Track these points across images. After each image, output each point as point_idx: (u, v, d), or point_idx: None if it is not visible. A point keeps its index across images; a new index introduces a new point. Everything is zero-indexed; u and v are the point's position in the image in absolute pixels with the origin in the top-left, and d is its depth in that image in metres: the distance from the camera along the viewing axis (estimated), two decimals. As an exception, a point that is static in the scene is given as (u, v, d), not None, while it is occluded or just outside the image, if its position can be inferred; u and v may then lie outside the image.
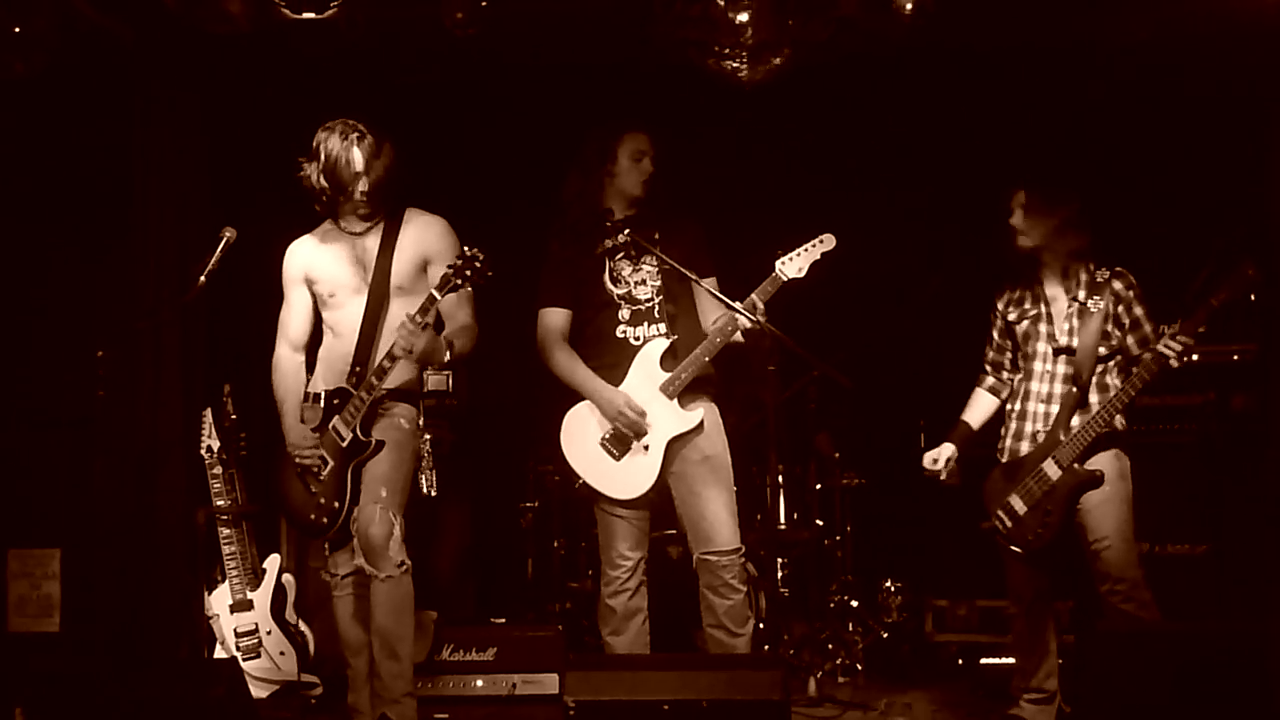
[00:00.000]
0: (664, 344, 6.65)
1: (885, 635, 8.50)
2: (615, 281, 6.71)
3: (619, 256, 6.72)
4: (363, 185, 6.46)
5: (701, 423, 6.67)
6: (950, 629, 8.55)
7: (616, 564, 6.71)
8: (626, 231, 6.60)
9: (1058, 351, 6.76)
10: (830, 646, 8.28)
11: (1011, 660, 7.18)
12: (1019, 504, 6.69)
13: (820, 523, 8.69)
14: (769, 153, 8.86)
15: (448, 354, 6.37)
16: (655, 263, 6.67)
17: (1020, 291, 6.93)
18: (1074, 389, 6.66)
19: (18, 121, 8.13)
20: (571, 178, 6.77)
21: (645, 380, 6.61)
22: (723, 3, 6.83)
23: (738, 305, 6.45)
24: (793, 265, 6.50)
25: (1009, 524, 6.72)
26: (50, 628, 8.12)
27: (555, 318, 6.81)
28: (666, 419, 6.60)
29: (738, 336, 6.56)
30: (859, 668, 8.12)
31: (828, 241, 6.55)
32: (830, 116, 8.99)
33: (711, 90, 7.24)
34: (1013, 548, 6.73)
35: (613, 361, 6.71)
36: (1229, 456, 7.94)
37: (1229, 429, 7.96)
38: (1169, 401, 7.92)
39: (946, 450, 7.01)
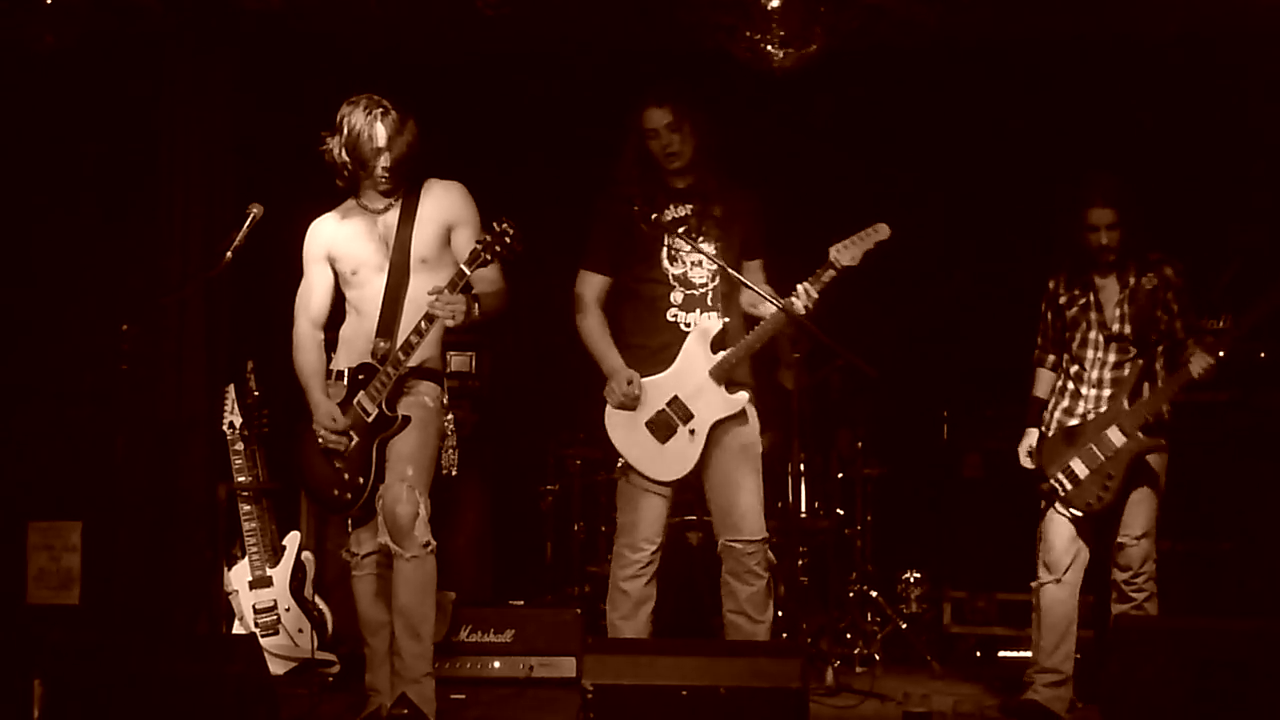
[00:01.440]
0: (717, 325, 6.62)
1: (904, 626, 8.48)
2: (673, 261, 6.66)
3: (681, 231, 6.64)
4: (384, 161, 6.42)
5: (744, 409, 6.66)
6: (969, 621, 8.55)
7: (640, 547, 6.67)
8: (690, 209, 6.55)
9: (1110, 339, 6.77)
10: (848, 636, 8.27)
11: (1028, 654, 7.15)
12: (1080, 467, 6.69)
13: (841, 512, 8.67)
14: (794, 141, 8.85)
15: (476, 310, 6.31)
16: (715, 240, 6.62)
17: (1070, 278, 6.94)
18: (1135, 365, 6.70)
19: (46, 94, 8.15)
20: (626, 146, 6.71)
21: (695, 363, 6.59)
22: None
23: (790, 297, 6.42)
24: (846, 254, 6.46)
25: (1069, 486, 6.71)
26: (70, 600, 8.15)
27: (593, 281, 6.78)
28: (713, 402, 6.58)
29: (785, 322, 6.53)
30: (877, 658, 8.11)
31: (881, 231, 6.51)
32: (857, 106, 8.98)
33: (741, 76, 7.24)
34: (1071, 510, 6.72)
35: (662, 343, 6.65)
36: (1253, 454, 7.92)
37: (1253, 426, 7.94)
38: (1194, 398, 7.87)
39: (1032, 436, 6.99)
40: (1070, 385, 6.89)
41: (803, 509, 8.55)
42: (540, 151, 8.39)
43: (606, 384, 6.67)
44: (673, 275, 6.66)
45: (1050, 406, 6.97)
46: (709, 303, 6.65)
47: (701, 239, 6.62)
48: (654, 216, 6.59)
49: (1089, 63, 8.59)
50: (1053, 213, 6.93)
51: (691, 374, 6.59)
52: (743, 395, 6.62)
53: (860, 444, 8.63)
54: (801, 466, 8.42)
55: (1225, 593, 7.78)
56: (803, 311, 6.42)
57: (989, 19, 7.66)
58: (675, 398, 6.59)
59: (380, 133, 6.39)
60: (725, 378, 6.56)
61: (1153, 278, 6.73)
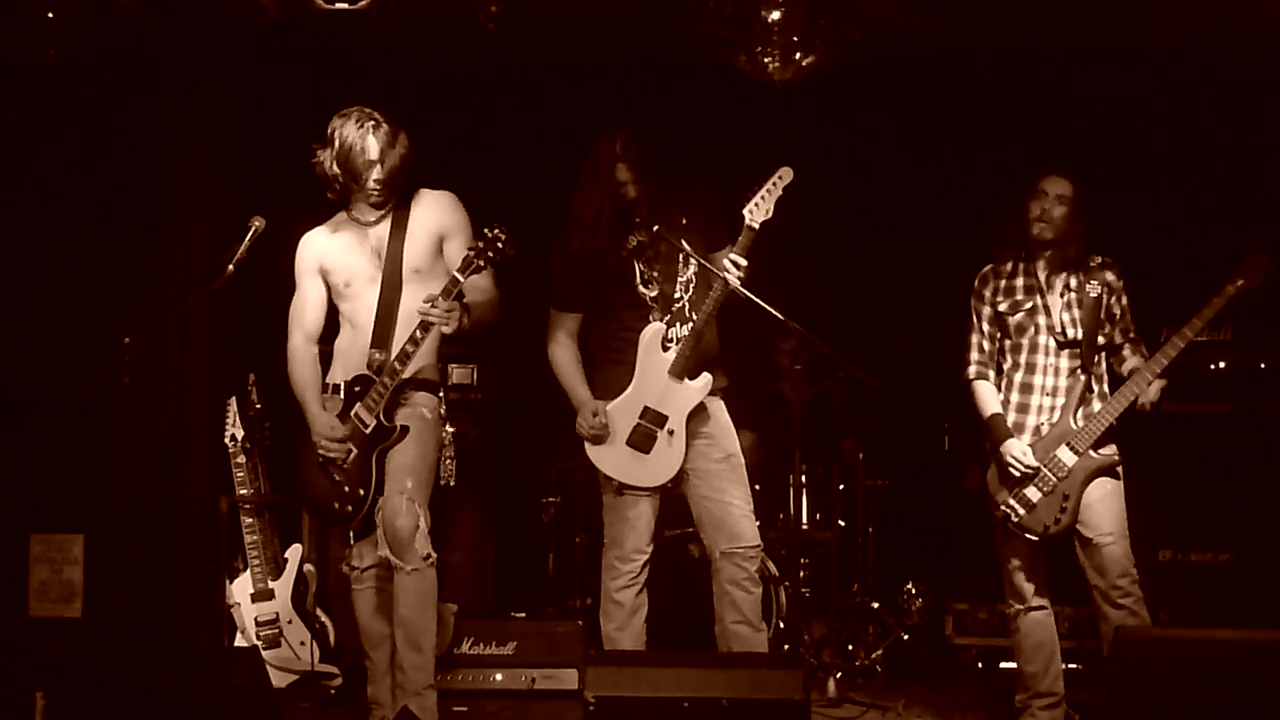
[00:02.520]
0: (659, 328, 6.63)
1: (905, 637, 8.49)
2: (647, 284, 6.68)
3: (646, 256, 6.67)
4: (376, 174, 6.42)
5: (714, 398, 6.69)
6: (970, 632, 8.54)
7: (630, 558, 6.68)
8: (655, 229, 6.56)
9: (1061, 345, 6.68)
10: (850, 647, 8.28)
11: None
12: (1033, 493, 6.62)
13: (843, 523, 8.67)
14: (795, 152, 8.87)
15: (465, 322, 6.31)
16: (687, 257, 6.62)
17: (1009, 280, 6.83)
18: (1082, 377, 6.63)
19: (48, 108, 8.16)
20: (592, 197, 6.69)
21: (652, 368, 6.60)
22: (755, 1, 6.84)
23: (723, 264, 6.41)
24: (760, 210, 6.43)
25: (1022, 512, 6.65)
26: (72, 613, 8.15)
27: (565, 319, 6.82)
28: (681, 396, 6.59)
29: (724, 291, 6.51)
30: (879, 669, 8.12)
31: (786, 175, 6.45)
32: (858, 116, 8.99)
33: (741, 88, 7.25)
34: (1027, 535, 6.66)
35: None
36: (1253, 465, 7.91)
37: (1254, 437, 7.94)
38: (1194, 409, 7.90)
39: (1015, 444, 6.72)
40: (1017, 397, 6.77)
41: (804, 520, 8.55)
42: (541, 164, 8.38)
43: (576, 420, 6.72)
44: (650, 298, 6.67)
45: None
46: (687, 314, 6.66)
47: (661, 259, 6.66)
48: (623, 253, 6.64)
49: (1091, 74, 8.61)
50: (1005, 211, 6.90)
51: (653, 380, 6.60)
52: (706, 377, 6.62)
53: (862, 455, 8.64)
54: (803, 478, 8.42)
55: (1226, 604, 7.77)
56: (737, 282, 6.40)
57: (990, 31, 7.66)
58: (645, 408, 6.61)
59: (372, 146, 6.39)
60: (684, 371, 6.57)
61: (1095, 285, 6.65)
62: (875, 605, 8.58)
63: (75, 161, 8.24)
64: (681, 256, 6.62)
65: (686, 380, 6.57)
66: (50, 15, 7.12)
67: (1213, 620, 7.60)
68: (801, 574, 8.33)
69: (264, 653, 7.36)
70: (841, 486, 8.70)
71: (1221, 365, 7.83)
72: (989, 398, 6.84)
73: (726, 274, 6.39)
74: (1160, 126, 8.68)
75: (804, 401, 7.29)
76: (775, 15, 6.88)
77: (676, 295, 6.67)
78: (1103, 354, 6.71)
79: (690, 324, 6.60)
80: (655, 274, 6.66)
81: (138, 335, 7.04)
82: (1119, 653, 5.98)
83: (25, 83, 7.93)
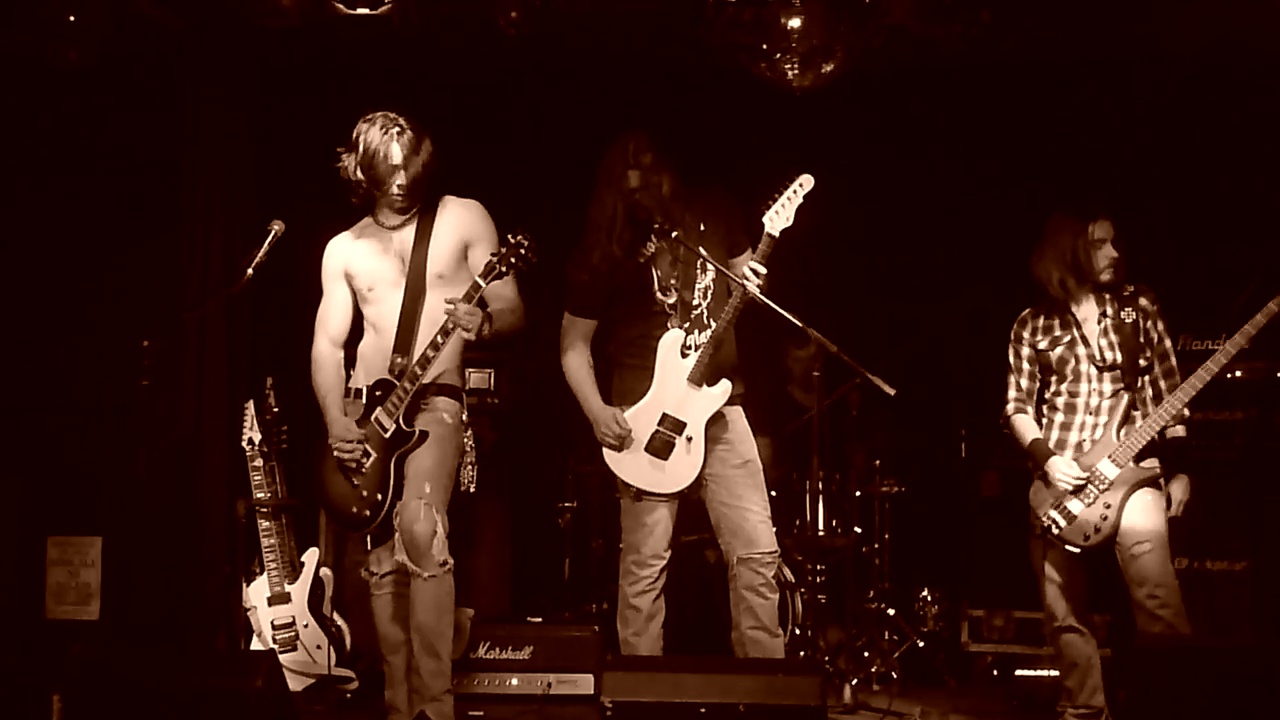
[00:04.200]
0: (678, 335, 6.63)
1: (921, 644, 8.49)
2: (665, 291, 6.68)
3: (666, 262, 6.68)
4: (400, 179, 6.43)
5: (733, 404, 6.68)
6: (986, 639, 8.54)
7: (648, 563, 6.68)
8: (675, 235, 6.55)
9: (1102, 369, 6.71)
10: (866, 654, 8.27)
11: (1046, 673, 7.14)
12: (1075, 504, 6.63)
13: (859, 530, 8.67)
14: (814, 159, 8.87)
15: (488, 328, 6.33)
16: (705, 263, 6.62)
17: (1046, 319, 6.88)
18: (1126, 395, 6.64)
19: (69, 111, 8.19)
20: (605, 203, 6.69)
21: (670, 375, 6.60)
22: (775, 7, 6.84)
23: (743, 271, 6.41)
24: (780, 218, 6.43)
25: (1064, 524, 6.65)
26: (89, 616, 8.17)
27: (579, 324, 6.81)
28: (700, 404, 6.58)
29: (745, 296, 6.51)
30: (894, 676, 8.11)
31: (806, 183, 6.45)
32: (877, 123, 8.99)
33: (761, 94, 7.25)
34: (1069, 547, 6.66)
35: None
36: (1270, 473, 7.90)
37: (1271, 446, 7.93)
38: (1210, 417, 7.89)
39: (1059, 462, 6.73)
40: (1061, 417, 6.80)
41: (821, 527, 8.54)
42: (561, 170, 8.38)
43: (595, 429, 6.71)
44: (668, 304, 6.67)
45: None
46: (705, 320, 6.66)
47: (680, 266, 6.66)
48: (641, 259, 6.65)
49: (1110, 82, 8.61)
50: (1034, 245, 6.88)
51: (671, 386, 6.60)
52: (725, 384, 6.61)
53: (878, 462, 8.64)
54: (819, 484, 8.42)
55: (1243, 612, 7.76)
56: (756, 289, 6.40)
57: (1009, 38, 7.66)
58: (664, 415, 6.60)
59: (396, 151, 6.40)
60: (703, 379, 6.56)
61: (1130, 311, 6.70)
62: (891, 612, 8.58)
63: (95, 164, 8.27)
64: (700, 263, 6.62)
65: (705, 387, 6.57)
66: (71, 19, 7.14)
67: (1230, 628, 7.60)
68: (818, 580, 8.31)
69: (280, 656, 7.36)
70: (858, 493, 8.69)
71: (1238, 374, 7.81)
72: (1028, 427, 6.89)
73: (746, 281, 6.39)
74: (1179, 133, 8.67)
75: (821, 408, 7.27)
76: (795, 22, 6.87)
77: (695, 302, 6.66)
78: (1144, 377, 6.73)
79: (709, 331, 6.60)
80: (674, 281, 6.66)
81: (156, 338, 7.04)
82: (1138, 660, 5.97)
83: (46, 86, 7.94)
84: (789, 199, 6.43)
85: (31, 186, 8.24)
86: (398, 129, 6.42)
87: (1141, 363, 6.69)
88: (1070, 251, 6.73)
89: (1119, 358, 6.68)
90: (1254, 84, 8.37)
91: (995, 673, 8.51)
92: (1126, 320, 6.69)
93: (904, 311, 8.91)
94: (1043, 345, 6.85)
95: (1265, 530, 7.89)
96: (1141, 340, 6.70)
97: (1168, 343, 6.74)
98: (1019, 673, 8.26)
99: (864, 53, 7.04)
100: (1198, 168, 8.63)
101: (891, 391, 6.83)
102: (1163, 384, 6.72)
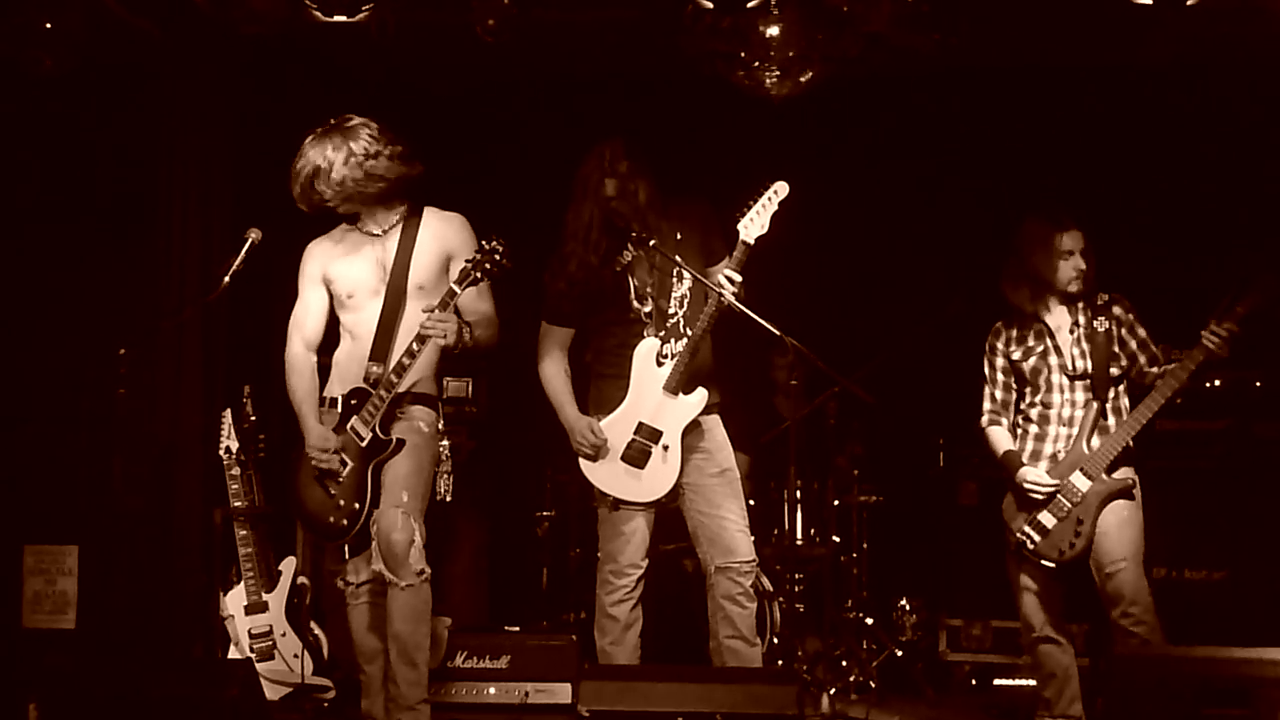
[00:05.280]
0: (654, 344, 6.63)
1: (899, 653, 8.49)
2: (641, 300, 6.68)
3: (643, 271, 6.67)
4: (335, 176, 6.40)
5: (710, 413, 6.68)
6: (964, 649, 8.54)
7: (625, 572, 6.67)
8: (652, 243, 6.54)
9: (1074, 378, 6.72)
10: (844, 663, 8.26)
11: (1025, 682, 7.15)
12: (1048, 518, 6.63)
13: (837, 539, 8.67)
14: (792, 167, 8.88)
15: (468, 336, 6.32)
16: (682, 271, 6.62)
17: (1020, 330, 6.88)
18: (1095, 405, 6.64)
19: (45, 119, 8.16)
20: (581, 212, 6.69)
21: (646, 383, 6.61)
22: (753, 16, 6.84)
23: (718, 279, 6.42)
24: (755, 225, 6.44)
25: (1037, 539, 6.65)
26: (66, 624, 8.13)
27: (557, 333, 6.81)
28: (675, 412, 6.58)
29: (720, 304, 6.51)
30: (872, 685, 8.10)
31: (781, 190, 6.47)
32: (855, 132, 9.00)
33: (739, 103, 7.25)
34: (1043, 562, 6.66)
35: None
36: (1248, 482, 7.92)
37: (1249, 454, 7.94)
38: (1189, 426, 7.90)
39: (1033, 470, 6.75)
40: (1035, 429, 6.80)
41: (799, 536, 8.55)
42: (537, 178, 8.39)
43: (570, 438, 6.71)
44: (644, 313, 6.67)
45: None
46: (681, 329, 6.65)
47: (656, 274, 6.66)
48: (618, 268, 6.64)
49: (1086, 92, 8.63)
50: (1001, 253, 6.89)
51: (647, 395, 6.60)
52: (701, 392, 6.62)
53: (856, 471, 8.64)
54: (798, 493, 8.43)
55: (1221, 621, 7.77)
56: (732, 297, 6.40)
57: (987, 47, 7.68)
58: (640, 424, 6.60)
59: (314, 159, 6.41)
60: (679, 387, 6.56)
61: (1104, 320, 6.70)
62: (869, 621, 8.58)
63: (71, 172, 8.23)
64: (676, 271, 6.62)
65: (682, 395, 6.57)
66: (48, 25, 7.12)
67: (1208, 638, 7.60)
68: (796, 589, 8.32)
69: (257, 665, 7.30)
70: (836, 502, 8.69)
71: (1217, 383, 7.83)
72: (1002, 438, 6.90)
73: (722, 290, 6.39)
74: (1155, 143, 8.69)
75: (799, 417, 7.27)
76: (773, 31, 6.88)
77: (671, 311, 6.66)
78: (1118, 386, 6.72)
79: (685, 339, 6.59)
80: (649, 289, 6.65)
81: (133, 347, 7.00)
82: (1116, 670, 5.98)
83: (21, 93, 7.91)
84: (763, 206, 6.44)
85: (6, 194, 8.20)
86: (312, 136, 6.44)
87: (1114, 371, 6.69)
88: (1037, 262, 6.75)
89: (1089, 366, 6.69)
90: (1228, 93, 8.39)
91: (974, 682, 8.51)
92: (1099, 329, 6.69)
93: (882, 320, 8.92)
94: (1016, 356, 6.86)
95: (1243, 539, 7.91)
96: (1116, 349, 6.70)
97: (1144, 333, 6.71)
98: (997, 682, 8.29)
99: (842, 61, 7.05)
100: (1173, 176, 8.66)
101: (870, 400, 6.84)
102: (1151, 373, 6.68)
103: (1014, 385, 6.92)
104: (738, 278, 6.42)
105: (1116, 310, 6.74)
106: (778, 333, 6.45)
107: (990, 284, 7.04)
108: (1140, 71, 8.42)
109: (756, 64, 6.96)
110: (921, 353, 8.50)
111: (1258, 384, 7.86)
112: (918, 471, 8.90)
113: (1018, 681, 7.97)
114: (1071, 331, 6.75)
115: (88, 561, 8.13)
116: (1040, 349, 6.79)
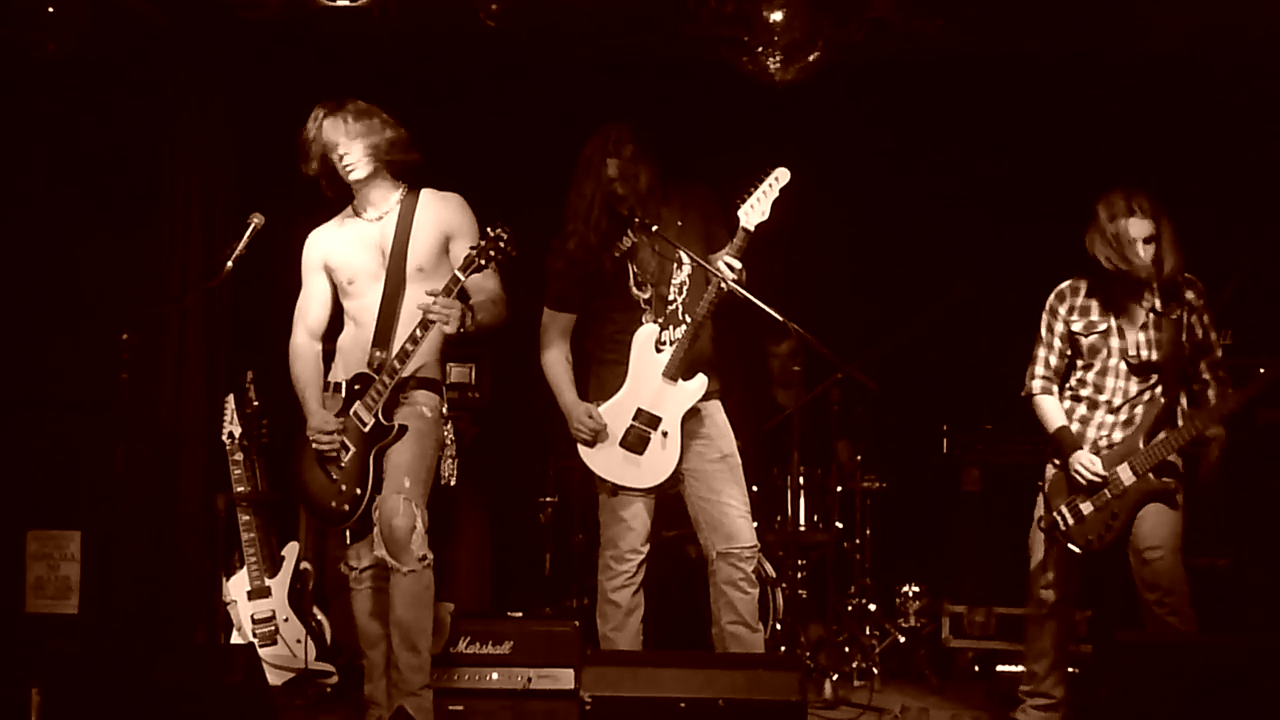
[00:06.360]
0: (653, 330, 6.63)
1: (902, 640, 8.49)
2: (640, 286, 6.67)
3: (641, 255, 6.66)
4: (343, 154, 6.43)
5: (710, 399, 6.69)
6: (967, 635, 8.53)
7: (626, 558, 6.68)
8: (654, 229, 6.54)
9: (1134, 369, 6.59)
10: (847, 650, 8.25)
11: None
12: (1086, 505, 6.60)
13: (840, 525, 8.66)
14: (795, 153, 8.87)
15: (470, 320, 6.31)
16: (684, 257, 6.61)
17: (1086, 299, 6.71)
18: (1160, 400, 6.55)
19: (48, 103, 8.15)
20: (583, 192, 6.68)
21: (646, 369, 6.61)
22: (757, 1, 6.83)
23: (719, 266, 6.41)
24: (755, 211, 6.42)
25: (1070, 522, 6.61)
26: (68, 609, 8.14)
27: (559, 319, 6.82)
28: (675, 398, 6.58)
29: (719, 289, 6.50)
30: (875, 671, 8.09)
31: (782, 176, 6.44)
32: (858, 117, 8.98)
33: (743, 88, 7.24)
34: (1070, 546, 6.62)
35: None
36: (1252, 469, 7.89)
37: (1252, 441, 7.92)
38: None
39: (1083, 454, 6.65)
40: (1082, 410, 6.70)
41: (801, 522, 8.54)
42: (540, 163, 8.37)
43: (569, 424, 6.71)
44: (644, 299, 6.67)
45: None
46: (681, 316, 6.65)
47: (656, 260, 6.65)
48: (618, 254, 6.65)
49: (1091, 76, 8.60)
50: (1079, 229, 6.67)
51: (647, 381, 6.60)
52: (701, 378, 6.62)
53: (859, 457, 8.62)
54: (800, 479, 8.42)
55: (1223, 609, 7.76)
56: (734, 284, 6.39)
57: (991, 32, 7.67)
58: (639, 410, 6.61)
59: (325, 133, 6.41)
60: (679, 373, 6.56)
61: (1175, 306, 6.52)
62: (872, 607, 8.57)
63: (74, 157, 8.23)
64: (676, 258, 6.61)
65: (681, 381, 6.57)
66: (50, 10, 7.11)
67: (1211, 625, 7.59)
68: (799, 575, 8.31)
69: (260, 650, 7.33)
70: (839, 488, 8.68)
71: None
72: (1054, 412, 6.77)
73: (722, 276, 6.38)
74: (1162, 129, 8.66)
75: (802, 403, 7.26)
76: (777, 16, 6.87)
77: (670, 297, 6.65)
78: (1186, 383, 6.65)
79: (685, 326, 6.58)
80: (649, 276, 6.65)
81: (136, 332, 7.00)
82: (1116, 657, 5.97)
83: (24, 78, 7.91)
84: (764, 193, 6.42)
85: (10, 179, 8.20)
86: (324, 111, 6.43)
87: (1180, 365, 6.57)
88: (1109, 240, 6.53)
89: (1154, 357, 6.57)
90: (1237, 77, 8.36)
91: (976, 669, 8.51)
92: (1171, 315, 6.53)
93: (884, 307, 8.90)
94: (1077, 326, 6.70)
95: (1247, 527, 7.89)
96: (1185, 338, 6.56)
97: (1213, 335, 6.62)
98: (1000, 668, 8.27)
99: (846, 46, 7.03)
100: (1181, 162, 8.62)
101: (873, 386, 6.82)
102: (1207, 376, 6.63)
103: (1068, 353, 6.78)
104: (738, 264, 6.41)
105: (1189, 295, 6.57)
106: (780, 318, 6.44)
107: (993, 270, 7.04)
108: (1148, 57, 8.39)
109: (760, 49, 6.94)
110: (924, 339, 8.49)
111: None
112: (921, 458, 8.89)
113: (1020, 668, 7.94)
114: (1145, 316, 6.60)
115: (90, 547, 8.15)
116: (1104, 327, 6.64)
